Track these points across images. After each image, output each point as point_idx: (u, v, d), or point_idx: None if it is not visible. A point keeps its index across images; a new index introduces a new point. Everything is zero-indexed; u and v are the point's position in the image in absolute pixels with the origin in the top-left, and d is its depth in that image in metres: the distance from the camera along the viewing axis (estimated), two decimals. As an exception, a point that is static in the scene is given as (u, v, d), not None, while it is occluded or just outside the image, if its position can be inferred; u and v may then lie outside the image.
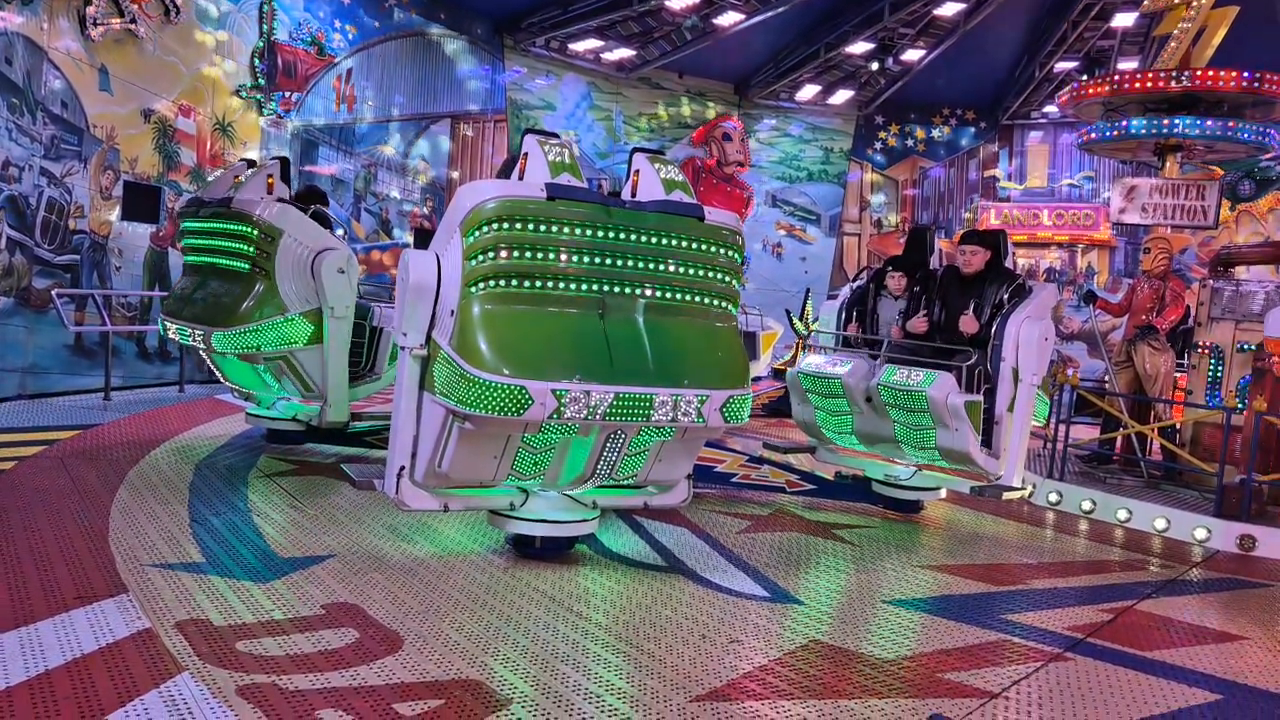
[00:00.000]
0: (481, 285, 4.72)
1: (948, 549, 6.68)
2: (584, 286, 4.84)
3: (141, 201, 12.07)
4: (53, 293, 10.60)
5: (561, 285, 4.79)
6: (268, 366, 7.54)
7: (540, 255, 4.74)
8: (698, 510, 7.05)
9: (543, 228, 4.73)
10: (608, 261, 4.87)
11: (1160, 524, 7.62)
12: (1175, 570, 6.58)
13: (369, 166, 16.26)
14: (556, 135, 5.38)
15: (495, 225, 4.70)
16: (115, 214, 11.74)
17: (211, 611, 4.33)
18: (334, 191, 15.21)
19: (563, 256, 4.77)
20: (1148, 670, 4.52)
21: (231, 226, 7.32)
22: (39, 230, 10.64)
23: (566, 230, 4.77)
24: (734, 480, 8.41)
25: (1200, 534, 7.37)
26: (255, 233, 7.15)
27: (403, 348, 5.07)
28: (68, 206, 11.00)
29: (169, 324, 7.75)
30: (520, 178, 5.06)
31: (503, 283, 4.71)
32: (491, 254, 4.70)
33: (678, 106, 21.56)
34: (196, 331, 7.39)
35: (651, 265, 4.97)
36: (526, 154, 5.12)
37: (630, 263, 4.92)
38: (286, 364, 7.47)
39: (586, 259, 4.82)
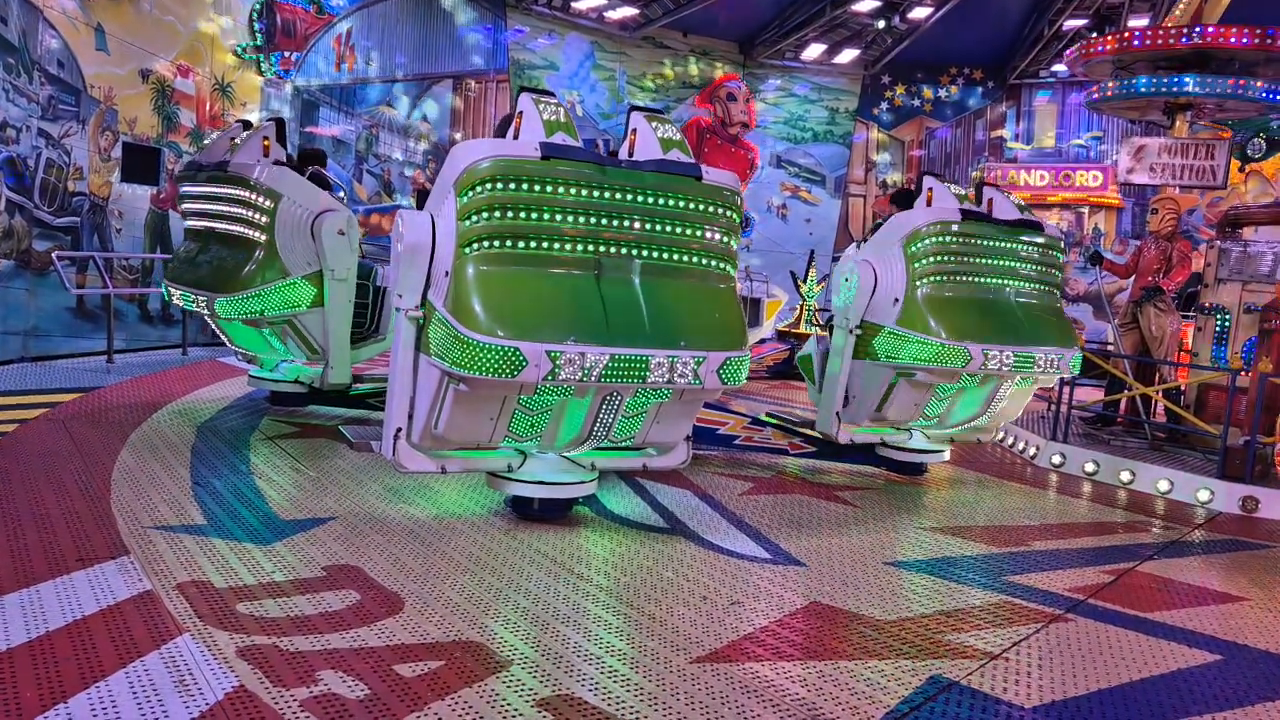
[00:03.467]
0: (476, 246, 4.66)
1: (950, 511, 6.68)
2: (579, 247, 4.77)
3: (141, 163, 12.02)
4: (53, 255, 10.57)
5: (557, 246, 4.73)
6: (272, 330, 7.52)
7: (535, 215, 4.68)
8: (700, 472, 7.05)
9: (537, 187, 4.67)
10: (603, 221, 4.80)
11: (1163, 486, 7.61)
12: (1177, 532, 6.57)
13: (370, 127, 16.13)
14: (552, 94, 5.29)
15: (489, 185, 4.64)
16: (115, 176, 11.68)
17: (213, 573, 4.33)
18: (335, 153, 15.11)
19: (557, 217, 4.71)
20: (1148, 631, 4.52)
21: (229, 190, 7.27)
22: (38, 192, 10.59)
23: (561, 190, 4.71)
24: (736, 443, 8.40)
25: (1203, 495, 7.36)
26: (253, 196, 7.10)
27: (398, 309, 5.03)
28: (66, 168, 10.93)
29: (173, 290, 7.74)
30: (515, 137, 4.99)
31: (497, 243, 4.65)
32: (485, 214, 4.64)
33: (682, 66, 21.33)
34: (200, 297, 7.37)
35: (648, 225, 4.91)
36: (521, 113, 5.05)
37: (626, 223, 4.86)
38: (290, 327, 7.46)
39: (582, 219, 4.76)
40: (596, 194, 4.78)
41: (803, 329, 14.51)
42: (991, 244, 6.63)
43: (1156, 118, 14.58)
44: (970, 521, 6.42)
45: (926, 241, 6.55)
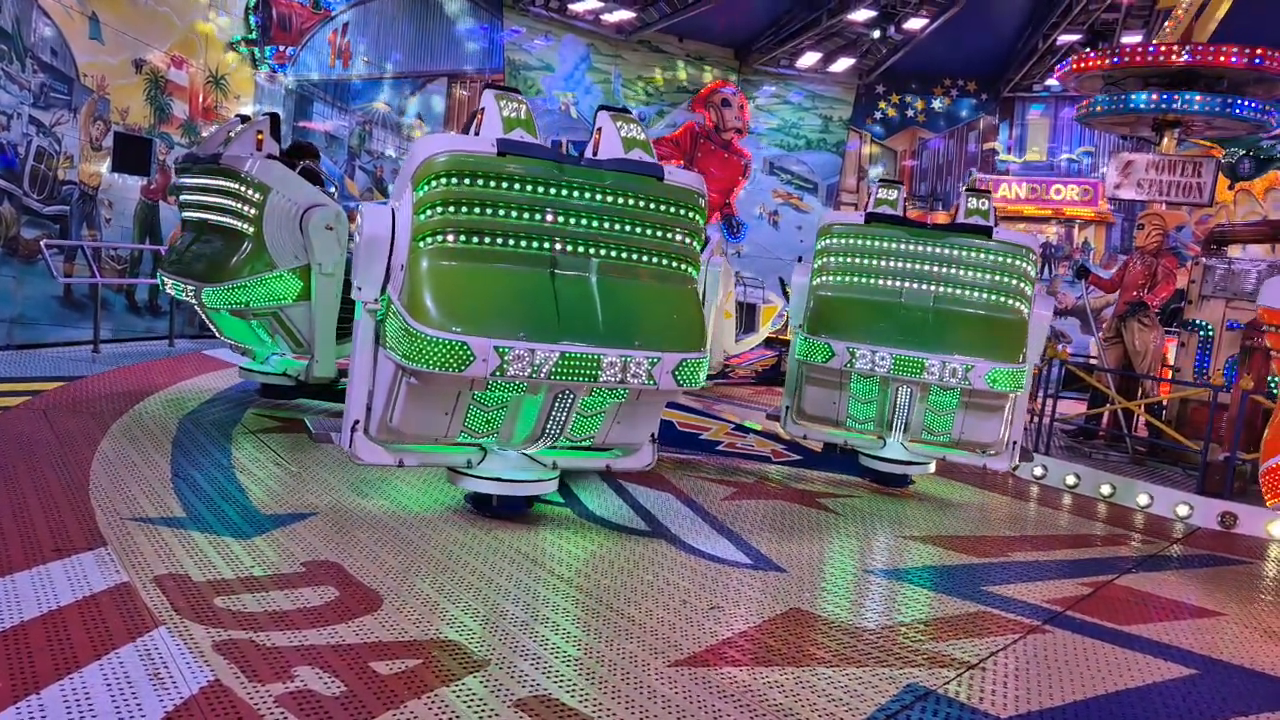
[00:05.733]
0: (429, 240, 4.67)
1: (931, 520, 6.69)
2: (534, 244, 4.78)
3: (132, 153, 11.97)
4: (41, 243, 10.52)
5: (511, 242, 4.74)
6: (260, 322, 7.53)
7: (489, 211, 4.70)
8: (682, 475, 7.07)
9: (492, 183, 4.69)
10: (559, 219, 4.82)
11: (1143, 500, 7.65)
12: (1156, 546, 6.61)
13: (364, 124, 16.11)
14: (517, 90, 5.30)
15: (444, 179, 4.65)
16: (105, 165, 11.63)
17: (191, 567, 4.31)
18: (328, 148, 15.08)
19: (512, 213, 4.73)
20: (1124, 644, 4.54)
21: (220, 183, 7.32)
22: (27, 180, 10.53)
23: (517, 187, 4.73)
24: (719, 448, 8.41)
25: (1182, 510, 7.40)
26: (243, 189, 7.13)
27: (357, 300, 5.03)
28: (57, 156, 10.88)
29: (166, 279, 7.80)
30: (476, 133, 4.99)
31: (450, 238, 4.66)
32: (440, 208, 4.65)
33: (677, 71, 21.37)
34: (189, 286, 7.42)
35: (605, 224, 4.91)
36: (483, 108, 5.06)
37: (583, 221, 4.87)
38: (276, 320, 7.47)
39: (537, 216, 4.77)
40: (553, 191, 4.80)
41: (789, 335, 14.54)
42: (897, 246, 6.68)
43: (1146, 134, 14.67)
44: (950, 531, 6.44)
45: (823, 242, 6.91)
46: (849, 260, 6.83)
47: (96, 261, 11.24)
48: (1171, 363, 10.08)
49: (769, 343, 15.54)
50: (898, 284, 6.71)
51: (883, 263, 6.73)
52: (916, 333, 6.52)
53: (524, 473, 5.47)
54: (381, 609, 4.04)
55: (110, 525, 4.76)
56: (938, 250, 6.68)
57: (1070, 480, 8.15)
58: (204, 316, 8.07)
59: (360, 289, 4.95)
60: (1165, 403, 9.08)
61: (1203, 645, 4.66)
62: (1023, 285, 6.68)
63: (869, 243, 6.76)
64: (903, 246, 6.70)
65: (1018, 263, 6.69)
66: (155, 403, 7.99)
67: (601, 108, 5.34)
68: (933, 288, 6.68)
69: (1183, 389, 8.87)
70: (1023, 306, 6.68)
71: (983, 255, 6.67)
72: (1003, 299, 6.67)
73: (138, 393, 8.33)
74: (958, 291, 6.66)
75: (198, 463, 6.18)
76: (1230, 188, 19.49)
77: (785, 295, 15.36)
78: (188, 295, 7.48)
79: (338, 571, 4.45)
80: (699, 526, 5.85)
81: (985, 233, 6.70)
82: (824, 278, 6.89)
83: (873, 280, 6.75)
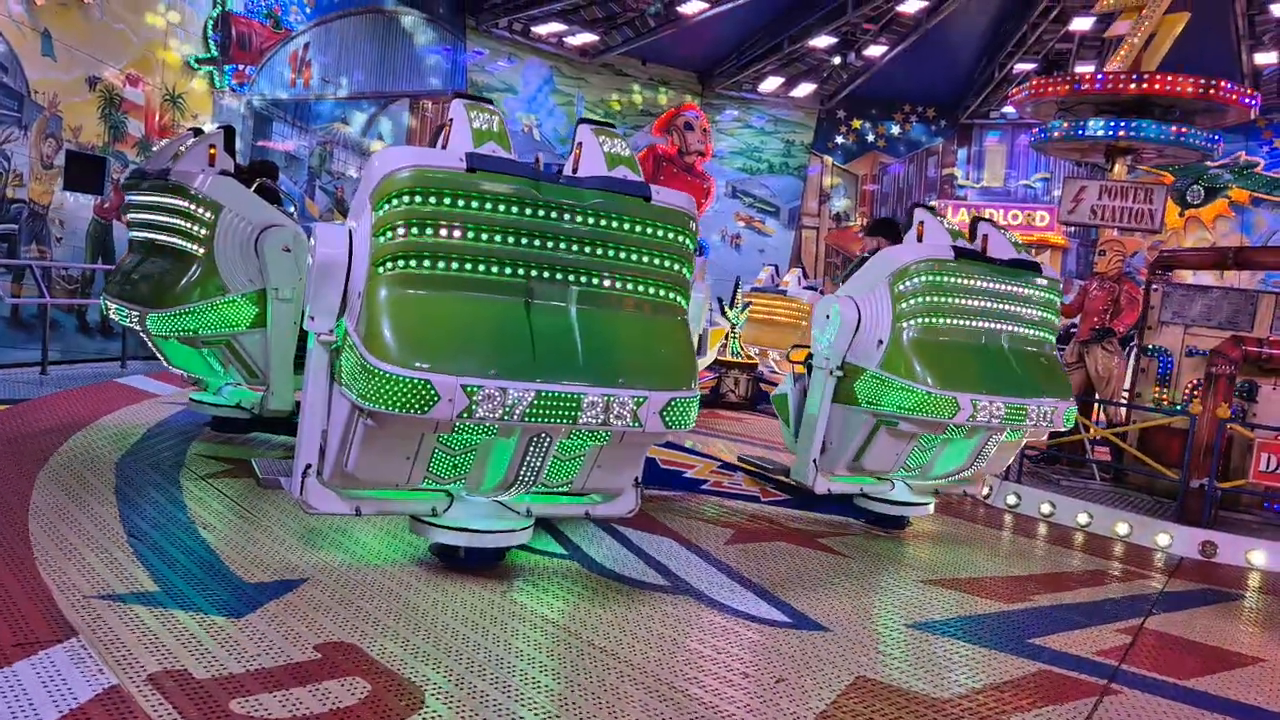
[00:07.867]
0: (390, 265, 4.15)
1: (932, 559, 6.40)
2: (506, 270, 4.28)
3: (85, 171, 11.67)
4: (-13, 264, 10.19)
5: (481, 268, 4.23)
6: (211, 350, 7.03)
7: (456, 233, 4.19)
8: (673, 517, 6.68)
9: (460, 202, 4.19)
10: (535, 243, 4.32)
11: (1122, 529, 7.58)
12: (1158, 581, 6.44)
13: (325, 144, 15.90)
14: (489, 101, 4.88)
15: (407, 198, 4.14)
16: (57, 184, 11.33)
17: (187, 659, 3.56)
18: (288, 168, 14.85)
19: (483, 235, 4.26)
20: (1198, 704, 4.28)
21: (168, 200, 6.79)
22: (-26, 198, 10.22)
23: (488, 206, 4.23)
24: (704, 487, 8.08)
25: (1163, 540, 7.33)
26: (193, 207, 6.64)
27: (309, 330, 4.58)
28: (6, 174, 10.57)
29: (110, 303, 7.21)
30: (444, 146, 4.54)
31: (413, 263, 4.15)
32: (402, 230, 4.14)
33: (640, 94, 21.42)
34: (133, 312, 6.86)
35: (587, 249, 4.42)
36: (451, 120, 4.63)
37: (562, 245, 4.38)
38: (229, 348, 6.96)
39: (510, 239, 4.27)
40: (529, 212, 4.31)
41: (729, 357, 14.40)
42: (985, 285, 6.07)
43: (1099, 160, 14.94)
44: (961, 572, 6.14)
45: (916, 280, 5.92)
46: (943, 301, 5.98)
47: (46, 281, 10.90)
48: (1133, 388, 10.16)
49: (712, 365, 15.37)
50: (980, 325, 6.11)
51: (973, 303, 6.04)
52: (1010, 378, 6.04)
53: (495, 521, 4.99)
54: (426, 705, 3.43)
55: (74, 606, 3.94)
56: (1014, 289, 6.19)
57: (1045, 509, 8.07)
58: (151, 344, 7.59)
59: (313, 318, 4.48)
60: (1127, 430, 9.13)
61: (1270, 699, 4.44)
62: (1055, 320, 6.49)
63: (962, 281, 5.98)
64: (989, 285, 6.05)
65: (1056, 298, 6.48)
66: (85, 440, 7.14)
67: (582, 120, 4.90)
68: (1004, 327, 6.19)
69: (1159, 416, 8.84)
70: (1054, 340, 6.52)
71: (1040, 292, 6.36)
72: (1046, 335, 6.44)
73: (64, 428, 7.45)
74: (1022, 330, 6.27)
75: (150, 517, 5.36)
76: (1180, 215, 19.93)
77: (724, 315, 15.27)
78: (132, 321, 6.92)
79: (358, 656, 3.80)
80: (716, 578, 5.38)
81: (1036, 269, 6.38)
82: (917, 320, 5.94)
83: (964, 322, 6.03)
